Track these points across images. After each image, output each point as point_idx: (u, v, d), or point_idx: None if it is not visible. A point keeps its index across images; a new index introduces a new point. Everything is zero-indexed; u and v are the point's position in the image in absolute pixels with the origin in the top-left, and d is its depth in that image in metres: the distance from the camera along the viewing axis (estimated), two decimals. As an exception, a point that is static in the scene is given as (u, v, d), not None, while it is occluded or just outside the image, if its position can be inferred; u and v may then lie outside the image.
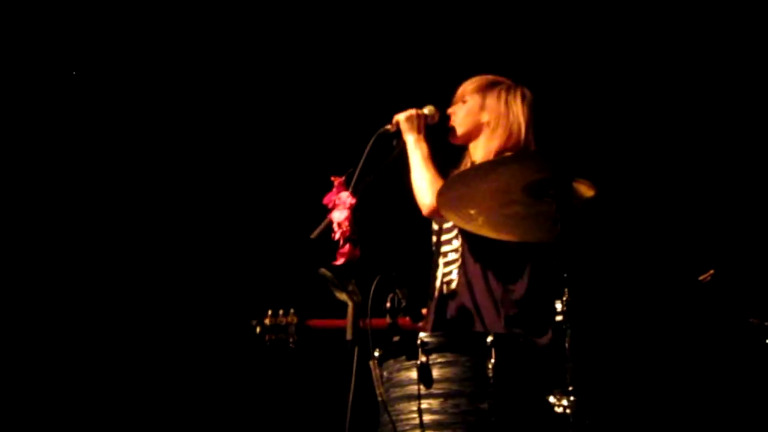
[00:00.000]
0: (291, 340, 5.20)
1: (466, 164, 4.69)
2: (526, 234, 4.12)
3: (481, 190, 3.90)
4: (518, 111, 4.61)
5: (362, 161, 4.26)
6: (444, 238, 4.58)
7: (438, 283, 4.57)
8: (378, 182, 4.28)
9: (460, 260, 4.48)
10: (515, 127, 4.59)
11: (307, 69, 6.71)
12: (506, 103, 4.62)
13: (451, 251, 4.53)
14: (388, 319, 3.96)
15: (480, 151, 4.64)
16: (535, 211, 3.93)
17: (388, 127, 4.63)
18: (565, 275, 3.73)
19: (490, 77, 4.72)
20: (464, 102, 4.69)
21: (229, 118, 6.85)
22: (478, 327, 4.35)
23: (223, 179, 6.83)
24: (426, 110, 4.66)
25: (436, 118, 4.68)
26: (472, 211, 4.02)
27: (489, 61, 5.01)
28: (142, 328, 6.63)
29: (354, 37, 6.63)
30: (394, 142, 4.61)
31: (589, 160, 3.73)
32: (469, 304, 4.40)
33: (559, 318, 3.74)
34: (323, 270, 4.01)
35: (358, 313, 3.98)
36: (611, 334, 5.20)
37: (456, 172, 4.47)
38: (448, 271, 4.52)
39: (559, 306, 3.72)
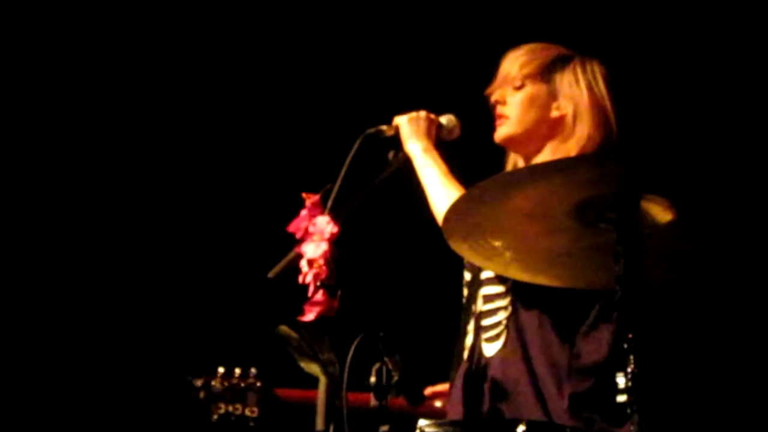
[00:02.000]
0: (250, 414, 4.06)
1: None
2: (575, 277, 3.25)
3: (509, 212, 3.01)
4: (603, 95, 3.66)
5: (343, 174, 3.42)
6: (484, 276, 3.62)
7: (469, 342, 3.61)
8: (367, 205, 3.49)
9: (510, 309, 3.53)
10: (602, 118, 3.65)
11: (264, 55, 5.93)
12: (588, 86, 3.66)
13: (497, 296, 3.59)
14: (373, 401, 3.04)
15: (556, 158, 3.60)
16: (588, 244, 3.09)
17: (383, 128, 3.67)
18: (631, 336, 2.86)
19: (552, 49, 3.76)
20: (519, 87, 3.71)
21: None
22: (532, 405, 3.41)
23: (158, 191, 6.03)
24: (444, 119, 3.71)
25: (455, 133, 3.74)
26: (497, 243, 3.13)
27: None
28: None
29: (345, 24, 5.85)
30: (390, 155, 3.70)
31: (665, 168, 2.89)
32: (520, 372, 3.46)
33: (621, 398, 3.11)
34: (284, 329, 3.16)
35: (335, 392, 3.09)
36: (697, 420, 4.18)
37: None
38: (490, 323, 3.55)
39: (621, 381, 3.06)
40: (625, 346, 2.87)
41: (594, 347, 3.39)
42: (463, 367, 3.57)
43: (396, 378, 3.04)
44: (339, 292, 3.18)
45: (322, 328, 3.16)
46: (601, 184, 2.91)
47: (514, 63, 3.72)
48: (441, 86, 4.80)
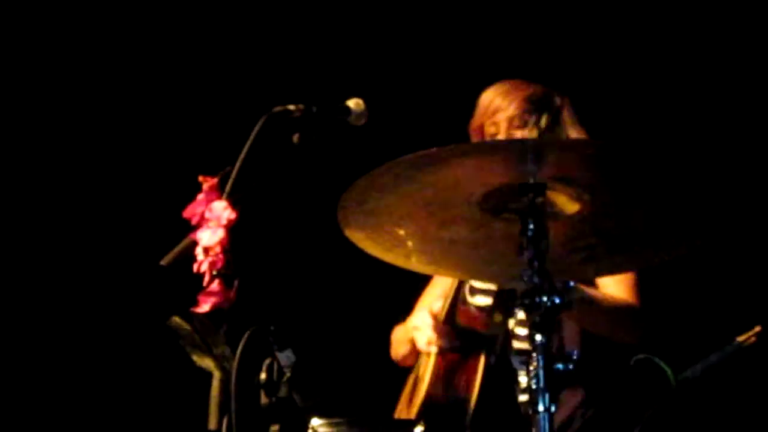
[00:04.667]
0: None
1: None
2: (478, 269, 3.18)
3: (409, 199, 2.89)
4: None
5: (243, 156, 3.23)
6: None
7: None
8: (269, 189, 3.29)
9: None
10: None
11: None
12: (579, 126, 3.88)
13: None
14: (264, 399, 2.92)
15: None
16: (490, 235, 2.96)
17: (290, 108, 3.44)
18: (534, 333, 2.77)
19: (534, 86, 3.92)
20: (518, 125, 3.87)
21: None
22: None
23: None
24: (352, 103, 3.54)
25: (363, 120, 3.59)
26: (401, 231, 3.02)
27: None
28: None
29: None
30: (295, 137, 3.45)
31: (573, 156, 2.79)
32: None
33: (522, 398, 3.20)
34: (177, 320, 3.05)
35: (229, 389, 2.94)
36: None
37: None
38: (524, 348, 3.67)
39: (524, 380, 3.08)
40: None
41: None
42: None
43: (288, 374, 2.93)
44: (236, 283, 3.06)
45: (217, 320, 3.05)
46: (505, 173, 2.78)
47: (504, 103, 3.88)
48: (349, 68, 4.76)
